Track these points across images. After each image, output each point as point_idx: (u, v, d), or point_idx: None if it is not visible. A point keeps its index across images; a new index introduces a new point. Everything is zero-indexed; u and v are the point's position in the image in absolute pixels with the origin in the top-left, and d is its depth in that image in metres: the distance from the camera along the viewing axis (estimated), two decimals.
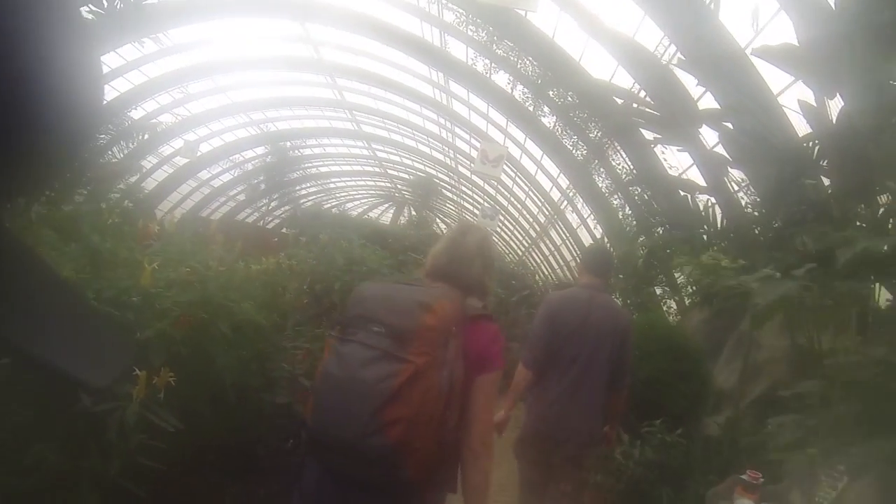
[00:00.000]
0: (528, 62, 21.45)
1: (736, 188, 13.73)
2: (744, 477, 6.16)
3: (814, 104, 8.76)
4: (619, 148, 21.02)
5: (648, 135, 17.03)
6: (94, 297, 4.87)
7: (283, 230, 23.71)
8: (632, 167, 20.80)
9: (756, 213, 10.54)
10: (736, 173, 12.70)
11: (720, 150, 12.35)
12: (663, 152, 18.83)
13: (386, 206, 59.72)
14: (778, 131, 10.76)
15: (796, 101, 9.52)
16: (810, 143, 9.14)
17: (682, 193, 11.73)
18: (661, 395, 10.19)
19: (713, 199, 11.64)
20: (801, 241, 9.61)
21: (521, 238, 45.93)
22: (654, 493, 8.52)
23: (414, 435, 3.19)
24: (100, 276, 5.35)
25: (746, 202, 11.54)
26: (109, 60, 26.36)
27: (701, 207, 11.08)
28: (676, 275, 16.52)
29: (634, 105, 14.23)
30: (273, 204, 48.06)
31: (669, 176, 17.86)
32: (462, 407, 3.51)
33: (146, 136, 31.33)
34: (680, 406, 10.26)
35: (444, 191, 49.16)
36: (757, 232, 9.98)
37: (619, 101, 16.28)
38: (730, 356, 12.04)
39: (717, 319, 12.78)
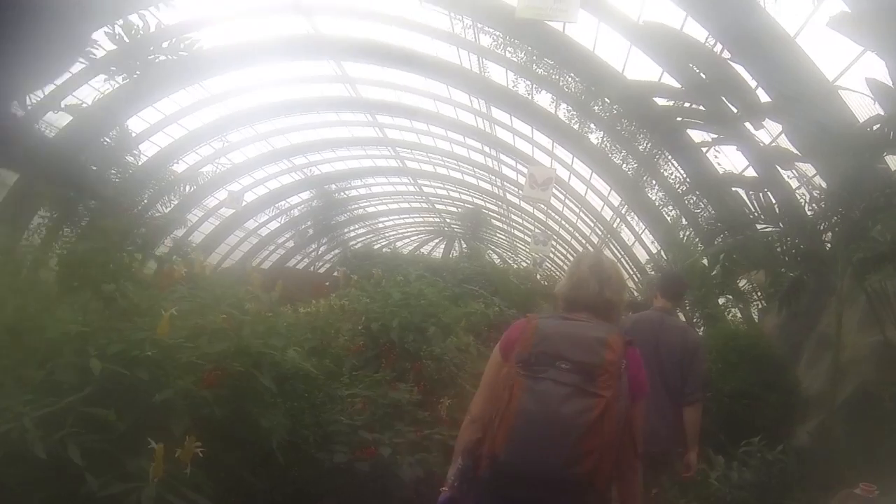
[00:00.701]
0: (570, 79, 20.82)
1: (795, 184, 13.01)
2: (857, 491, 5.84)
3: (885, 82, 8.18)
4: (669, 157, 20.31)
5: (700, 137, 16.44)
6: (98, 354, 4.22)
7: (335, 273, 23.16)
8: (685, 175, 20.07)
9: (823, 206, 9.76)
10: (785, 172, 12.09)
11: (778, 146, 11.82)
12: (716, 156, 18.06)
13: (436, 241, 59.13)
14: (840, 118, 10.12)
15: (861, 82, 8.96)
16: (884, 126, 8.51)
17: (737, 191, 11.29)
18: (749, 409, 9.51)
19: (771, 196, 10.86)
20: (878, 229, 9.02)
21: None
22: None
23: (603, 462, 3.47)
24: (110, 327, 4.72)
25: (810, 197, 10.76)
26: (149, 116, 26.24)
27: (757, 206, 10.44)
28: (740, 282, 15.78)
29: (685, 104, 13.67)
30: (322, 248, 47.65)
31: (722, 175, 17.08)
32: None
33: (191, 188, 31.16)
34: (769, 418, 9.56)
35: (494, 220, 48.65)
36: (831, 223, 9.24)
37: (666, 103, 15.64)
38: (811, 360, 11.28)
39: (792, 322, 11.99)
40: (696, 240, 17.55)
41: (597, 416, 3.46)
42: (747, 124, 11.21)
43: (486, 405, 3.91)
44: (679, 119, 13.74)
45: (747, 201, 10.53)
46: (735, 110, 11.29)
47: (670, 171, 21.03)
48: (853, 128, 9.35)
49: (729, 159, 17.93)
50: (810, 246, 9.62)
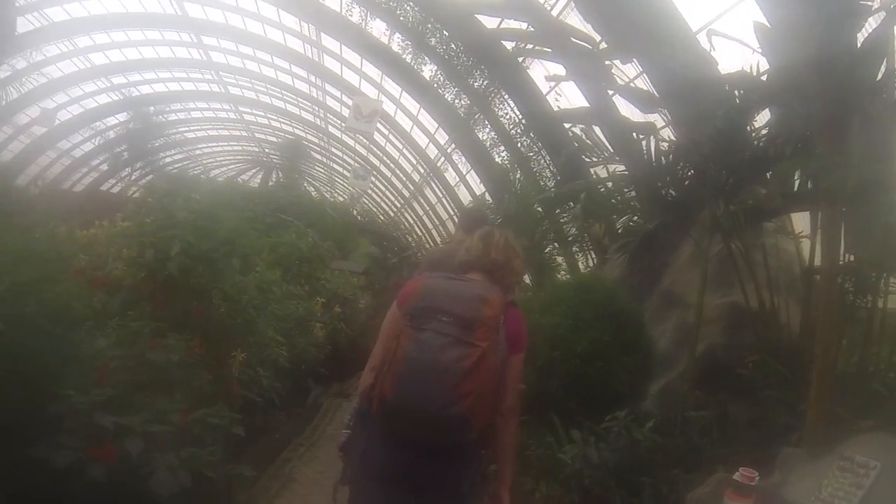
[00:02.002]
0: (408, 7, 19.44)
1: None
2: (735, 477, 5.18)
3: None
4: (506, 97, 19.20)
5: (545, 72, 15.41)
6: None
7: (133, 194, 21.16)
8: (520, 116, 18.97)
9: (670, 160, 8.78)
10: None
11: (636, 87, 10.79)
12: (557, 99, 17.08)
13: (254, 170, 56.73)
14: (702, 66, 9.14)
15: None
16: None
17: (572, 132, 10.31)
18: (603, 373, 8.31)
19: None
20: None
21: (393, 198, 44.30)
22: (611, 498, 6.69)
23: (479, 405, 3.86)
24: None
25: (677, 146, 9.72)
26: None
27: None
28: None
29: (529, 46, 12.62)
30: (137, 173, 44.76)
31: (563, 110, 16.11)
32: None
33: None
34: (625, 383, 8.43)
35: (314, 153, 46.63)
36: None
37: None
38: (654, 318, 10.32)
39: (633, 278, 10.95)
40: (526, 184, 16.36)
41: (473, 363, 3.82)
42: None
43: (382, 356, 4.15)
44: (530, 46, 12.48)
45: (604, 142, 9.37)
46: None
47: (505, 112, 19.95)
48: (731, 75, 8.30)
49: (570, 102, 16.86)
50: (678, 197, 8.52)
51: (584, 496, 6.82)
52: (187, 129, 47.58)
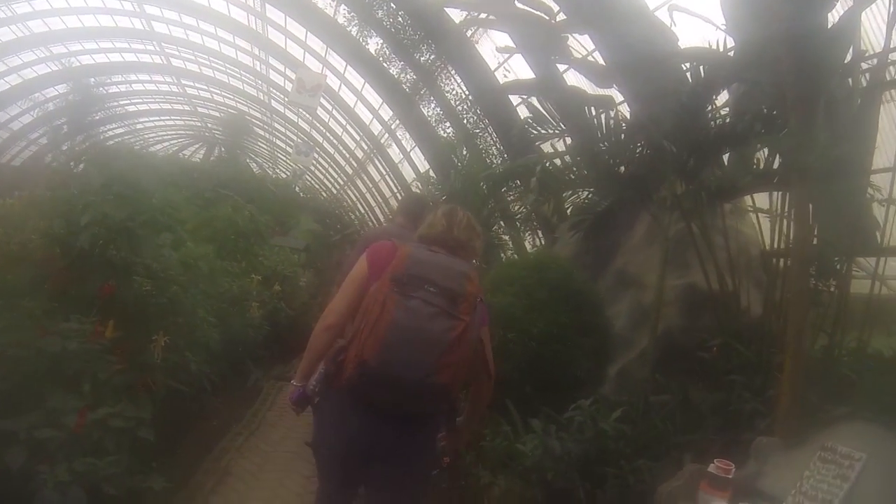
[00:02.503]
0: None
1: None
2: (710, 469, 4.82)
3: None
4: (453, 72, 18.72)
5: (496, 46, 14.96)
6: None
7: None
8: (467, 92, 18.52)
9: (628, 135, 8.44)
10: None
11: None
12: (506, 75, 16.60)
13: (196, 146, 55.60)
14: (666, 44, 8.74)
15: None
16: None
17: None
18: (560, 356, 7.82)
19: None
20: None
21: (336, 175, 43.45)
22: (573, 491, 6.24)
23: (456, 376, 3.96)
24: None
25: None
26: None
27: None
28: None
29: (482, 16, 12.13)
30: (77, 147, 43.40)
31: (510, 82, 15.66)
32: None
33: None
34: (583, 367, 7.96)
35: (257, 129, 45.86)
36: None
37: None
38: (608, 299, 9.85)
39: (584, 257, 10.55)
40: (496, 162, 15.82)
41: (457, 335, 3.88)
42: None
43: (345, 315, 4.22)
44: (483, 16, 11.94)
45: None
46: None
47: (452, 87, 19.56)
48: (696, 49, 7.93)
49: (519, 78, 16.32)
50: (636, 173, 8.10)
51: (545, 489, 6.32)
52: (129, 102, 46.01)
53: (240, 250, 13.78)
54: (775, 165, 7.54)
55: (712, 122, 7.79)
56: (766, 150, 7.70)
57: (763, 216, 8.92)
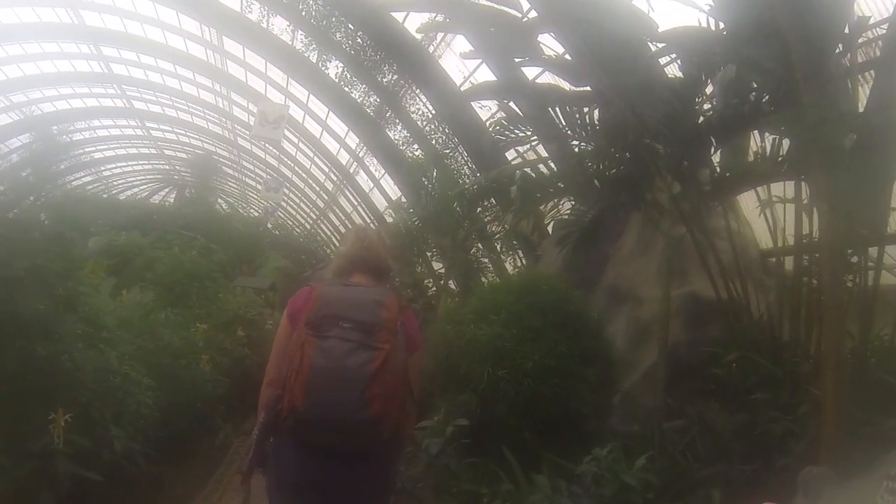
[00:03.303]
0: (310, 1, 18.15)
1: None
2: None
3: None
4: (417, 92, 17.87)
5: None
6: None
7: None
8: (433, 112, 17.76)
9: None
10: None
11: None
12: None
13: (167, 190, 54.67)
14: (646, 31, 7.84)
15: None
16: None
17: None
18: (561, 392, 6.75)
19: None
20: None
21: (308, 210, 42.75)
22: None
23: (387, 407, 3.82)
24: None
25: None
26: None
27: None
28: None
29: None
30: (44, 199, 42.24)
31: (466, 91, 14.88)
32: None
33: None
34: (587, 401, 6.87)
35: (225, 168, 44.92)
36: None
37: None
38: (602, 318, 8.85)
39: (570, 275, 9.52)
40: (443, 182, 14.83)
41: (378, 366, 3.80)
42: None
43: (281, 368, 4.08)
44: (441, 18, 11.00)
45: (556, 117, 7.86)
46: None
47: (417, 107, 18.76)
48: (685, 30, 6.99)
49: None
50: (627, 174, 7.12)
51: None
52: (94, 148, 45.03)
53: (191, 295, 12.49)
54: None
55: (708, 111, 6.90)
56: (768, 138, 6.97)
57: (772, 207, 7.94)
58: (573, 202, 9.51)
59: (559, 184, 8.18)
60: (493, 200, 13.53)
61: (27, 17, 25.56)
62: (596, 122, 7.35)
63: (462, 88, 16.09)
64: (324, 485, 4.01)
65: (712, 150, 7.04)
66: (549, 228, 12.49)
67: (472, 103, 15.89)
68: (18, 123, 35.62)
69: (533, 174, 8.55)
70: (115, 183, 52.23)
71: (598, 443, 6.28)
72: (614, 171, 7.25)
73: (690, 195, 7.03)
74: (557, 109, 7.58)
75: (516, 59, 9.25)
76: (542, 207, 11.71)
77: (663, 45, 7.71)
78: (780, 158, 6.61)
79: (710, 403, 7.06)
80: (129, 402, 6.66)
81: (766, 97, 6.04)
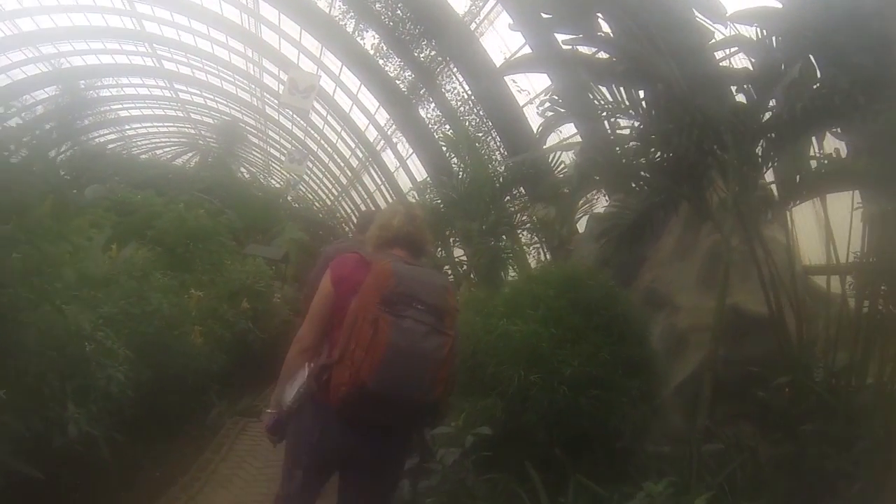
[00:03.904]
0: None
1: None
2: None
3: None
4: (454, 70, 17.15)
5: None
6: None
7: None
8: (469, 93, 17.02)
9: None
10: None
11: None
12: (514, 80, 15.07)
13: (190, 154, 54.32)
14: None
15: None
16: None
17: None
18: (602, 405, 5.90)
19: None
20: None
21: (330, 186, 42.14)
22: None
23: (447, 391, 4.07)
24: None
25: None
26: None
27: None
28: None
29: None
30: (66, 153, 41.79)
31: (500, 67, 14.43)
32: None
33: None
34: (628, 417, 6.03)
35: (250, 136, 44.57)
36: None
37: None
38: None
39: (604, 272, 8.81)
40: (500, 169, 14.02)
41: (448, 352, 3.96)
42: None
43: (319, 335, 4.18)
44: None
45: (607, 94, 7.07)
46: None
47: (452, 86, 18.07)
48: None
49: (528, 80, 15.09)
50: (693, 165, 6.35)
51: None
52: (121, 106, 44.52)
53: (194, 258, 11.56)
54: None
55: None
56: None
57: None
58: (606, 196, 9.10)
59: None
60: (521, 189, 12.90)
61: None
62: (653, 103, 6.55)
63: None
64: (354, 457, 4.13)
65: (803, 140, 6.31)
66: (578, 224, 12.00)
67: (512, 88, 15.28)
68: (46, 75, 35.42)
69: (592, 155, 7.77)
70: (139, 143, 51.76)
71: (629, 463, 5.71)
72: (673, 159, 6.47)
73: (747, 198, 6.31)
74: (605, 88, 6.85)
75: (568, 37, 8.44)
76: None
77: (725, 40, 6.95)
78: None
79: (748, 428, 6.49)
80: (100, 375, 5.74)
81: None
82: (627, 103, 6.65)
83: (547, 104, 7.24)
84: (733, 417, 6.58)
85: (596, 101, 6.86)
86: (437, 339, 3.90)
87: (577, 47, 6.96)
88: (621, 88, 6.78)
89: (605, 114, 6.99)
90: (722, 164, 6.20)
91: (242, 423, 10.17)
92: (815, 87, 5.50)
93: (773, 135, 5.97)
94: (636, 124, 6.87)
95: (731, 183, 6.14)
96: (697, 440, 5.79)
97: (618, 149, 7.20)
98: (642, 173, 6.92)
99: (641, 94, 6.67)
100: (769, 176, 7.10)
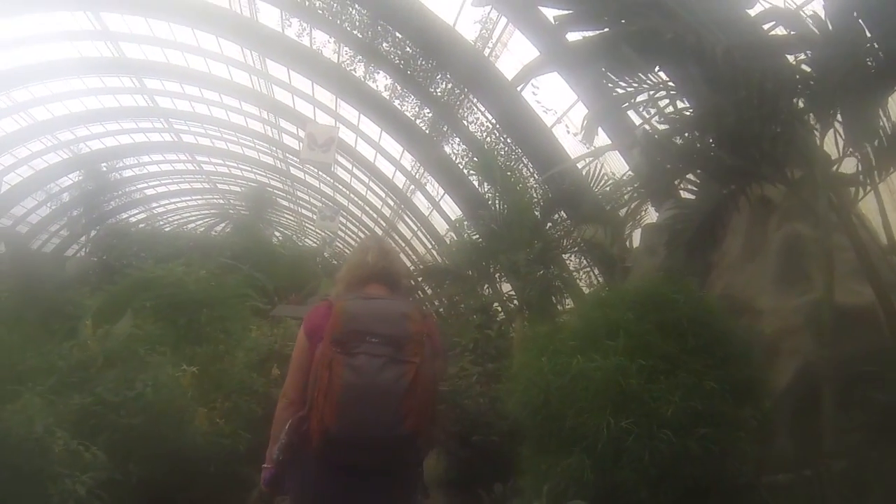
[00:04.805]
0: (353, 12, 17.02)
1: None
2: None
3: None
4: (474, 101, 16.59)
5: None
6: None
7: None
8: (493, 121, 16.43)
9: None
10: None
11: None
12: (535, 92, 14.38)
13: (223, 224, 54.38)
14: None
15: None
16: None
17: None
18: (715, 445, 4.75)
19: None
20: None
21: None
22: None
23: (421, 422, 3.81)
24: None
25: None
26: None
27: None
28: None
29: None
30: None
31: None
32: None
33: None
34: (747, 455, 4.99)
35: (280, 199, 44.15)
36: None
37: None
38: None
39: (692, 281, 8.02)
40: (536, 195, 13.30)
41: (411, 380, 3.79)
42: None
43: (300, 388, 4.06)
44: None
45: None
46: None
47: (475, 117, 17.41)
48: None
49: (550, 93, 14.36)
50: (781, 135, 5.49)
51: None
52: (146, 185, 45.05)
53: (199, 327, 10.11)
54: None
55: None
56: None
57: None
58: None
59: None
60: (562, 213, 12.22)
61: (68, 52, 25.31)
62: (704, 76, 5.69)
63: (522, 92, 14.79)
64: (357, 501, 4.01)
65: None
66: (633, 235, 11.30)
67: (537, 109, 14.59)
68: (68, 162, 35.78)
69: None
70: (169, 219, 52.42)
71: None
72: (743, 136, 5.58)
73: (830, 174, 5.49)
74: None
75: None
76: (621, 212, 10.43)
77: None
78: None
79: (869, 438, 5.43)
80: (53, 490, 4.78)
81: None
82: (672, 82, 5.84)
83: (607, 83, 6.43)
84: (848, 429, 5.67)
85: (637, 81, 6.00)
86: (395, 369, 3.79)
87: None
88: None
89: (650, 94, 6.14)
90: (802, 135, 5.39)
91: (288, 502, 9.04)
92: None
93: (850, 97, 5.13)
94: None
95: (815, 155, 5.34)
96: (821, 463, 4.92)
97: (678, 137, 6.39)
98: (712, 154, 6.06)
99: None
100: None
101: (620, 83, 5.88)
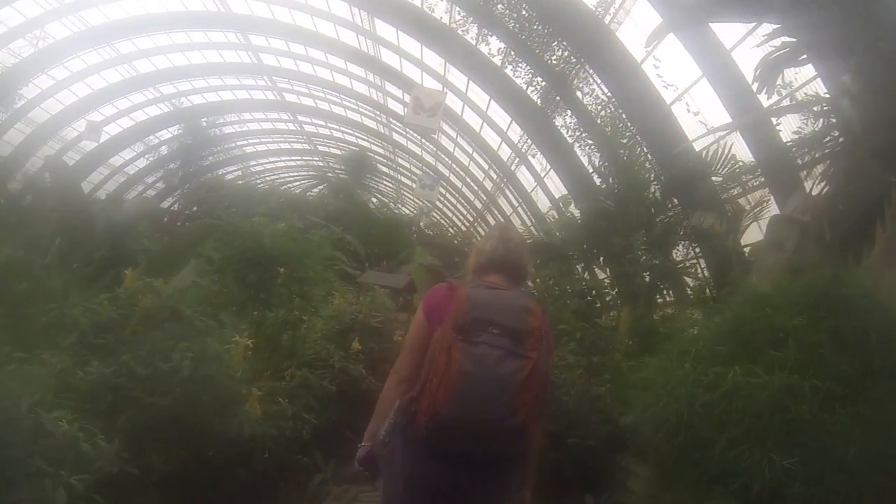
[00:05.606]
0: None
1: None
2: None
3: None
4: (590, 72, 15.72)
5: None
6: None
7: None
8: (609, 95, 15.56)
9: None
10: None
11: None
12: (657, 66, 13.48)
13: (321, 187, 54.36)
14: None
15: None
16: None
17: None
18: None
19: None
20: None
21: (465, 211, 41.43)
22: None
23: (531, 416, 3.72)
24: None
25: None
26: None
27: None
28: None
29: None
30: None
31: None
32: None
33: None
34: None
35: (380, 165, 44.02)
36: None
37: None
38: None
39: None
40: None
41: (527, 375, 3.68)
42: None
43: (415, 366, 3.97)
44: None
45: None
46: None
47: (591, 89, 16.52)
48: None
49: (673, 70, 13.44)
50: None
51: None
52: (245, 142, 45.17)
53: (271, 288, 9.19)
54: None
55: None
56: None
57: None
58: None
59: None
60: (675, 200, 11.36)
61: (173, 6, 25.70)
62: None
63: (642, 64, 13.96)
64: (453, 491, 3.88)
65: None
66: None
67: (657, 84, 13.76)
68: (168, 115, 36.45)
69: None
70: (266, 178, 52.52)
71: None
72: None
73: None
74: None
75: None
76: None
77: None
78: None
79: None
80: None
81: None
82: None
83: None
84: None
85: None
86: (513, 362, 3.70)
87: None
88: None
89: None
90: None
91: (354, 491, 8.28)
92: None
93: None
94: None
95: None
96: None
97: None
98: None
99: None
100: None
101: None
